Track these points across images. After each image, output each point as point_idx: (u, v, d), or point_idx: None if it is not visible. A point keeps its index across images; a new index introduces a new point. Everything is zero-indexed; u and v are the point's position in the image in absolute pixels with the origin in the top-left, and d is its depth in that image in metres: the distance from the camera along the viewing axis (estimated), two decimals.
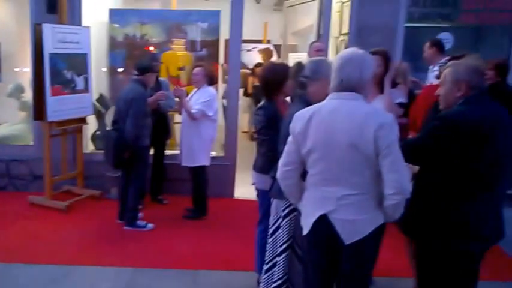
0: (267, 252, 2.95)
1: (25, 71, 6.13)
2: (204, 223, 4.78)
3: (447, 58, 3.09)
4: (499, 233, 2.38)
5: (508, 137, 2.27)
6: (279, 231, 2.83)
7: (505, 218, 2.40)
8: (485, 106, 2.28)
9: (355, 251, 2.21)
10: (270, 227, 2.94)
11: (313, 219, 2.25)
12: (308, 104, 2.48)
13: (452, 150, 2.23)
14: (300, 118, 2.27)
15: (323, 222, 2.21)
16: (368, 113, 2.13)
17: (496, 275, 3.70)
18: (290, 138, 2.33)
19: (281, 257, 2.82)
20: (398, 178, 2.07)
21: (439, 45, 4.84)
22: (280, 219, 2.82)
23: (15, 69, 6.60)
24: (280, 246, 2.82)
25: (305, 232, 2.32)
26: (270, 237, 2.92)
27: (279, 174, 2.39)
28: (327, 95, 2.35)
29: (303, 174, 2.37)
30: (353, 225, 2.17)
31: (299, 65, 2.78)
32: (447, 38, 5.32)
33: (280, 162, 2.37)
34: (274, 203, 2.89)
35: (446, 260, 2.34)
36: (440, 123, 2.28)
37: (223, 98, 6.68)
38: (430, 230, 2.34)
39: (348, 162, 2.13)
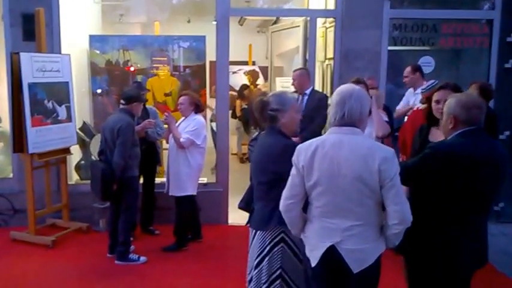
0: (252, 284, 2.86)
1: (0, 98, 5.91)
2: (199, 253, 4.65)
3: (431, 83, 3.24)
4: (481, 260, 2.51)
5: (492, 175, 2.39)
6: (265, 262, 2.76)
7: (494, 233, 2.49)
8: (477, 142, 2.39)
9: (363, 279, 2.27)
10: (254, 259, 2.85)
11: (322, 250, 2.28)
12: (283, 134, 2.72)
13: (437, 178, 2.39)
14: (302, 151, 2.31)
15: (331, 253, 2.26)
16: (370, 147, 2.22)
17: None
18: (293, 171, 2.35)
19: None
20: (401, 209, 2.18)
21: (421, 70, 5.11)
22: (266, 251, 2.76)
23: None
24: (268, 277, 2.75)
25: (313, 264, 2.33)
26: (254, 270, 2.83)
27: (282, 206, 2.40)
28: (297, 124, 2.77)
29: (304, 206, 2.41)
30: (360, 254, 2.24)
31: (263, 102, 2.80)
32: (429, 62, 5.56)
33: (284, 195, 2.39)
34: (257, 235, 2.83)
35: (436, 282, 2.50)
36: (430, 151, 2.43)
37: (212, 121, 6.61)
38: (417, 250, 2.49)
39: (353, 194, 2.20)
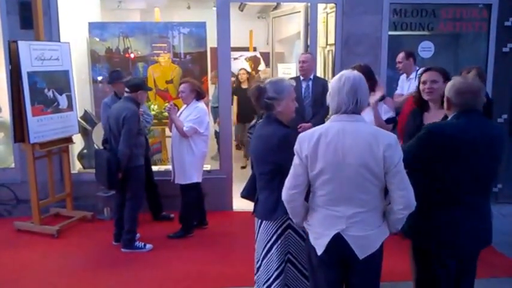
0: (260, 274, 2.90)
1: None
2: (204, 240, 4.68)
3: (423, 69, 3.26)
4: (481, 241, 2.56)
5: (487, 155, 2.44)
6: (274, 250, 2.80)
7: (495, 214, 2.55)
8: (471, 123, 2.44)
9: (368, 265, 2.30)
10: (260, 250, 2.88)
11: (328, 239, 2.29)
12: (280, 122, 2.74)
13: (432, 159, 2.45)
14: (305, 140, 2.28)
15: (337, 241, 2.27)
16: (374, 134, 2.22)
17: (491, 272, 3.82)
18: (296, 161, 2.33)
19: (279, 278, 2.80)
20: (406, 194, 2.20)
21: (413, 56, 5.13)
22: (274, 239, 2.79)
23: None
24: (279, 264, 2.79)
25: (319, 253, 2.34)
26: (262, 260, 2.87)
27: (285, 196, 2.39)
28: (293, 111, 2.79)
29: (306, 195, 2.41)
30: (366, 240, 2.26)
31: (259, 88, 2.79)
32: (429, 47, 5.59)
33: (287, 185, 2.38)
34: (263, 225, 2.85)
35: (440, 263, 2.56)
36: (423, 133, 2.50)
37: (215, 122, 6.57)
38: (421, 231, 2.57)
39: (358, 181, 2.21)
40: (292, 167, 2.35)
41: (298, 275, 2.84)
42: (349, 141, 2.19)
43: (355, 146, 2.18)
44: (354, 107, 2.24)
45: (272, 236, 2.79)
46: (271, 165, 2.71)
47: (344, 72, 2.34)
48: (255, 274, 2.97)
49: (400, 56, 5.07)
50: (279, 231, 2.77)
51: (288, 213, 2.63)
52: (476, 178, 2.47)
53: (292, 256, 2.82)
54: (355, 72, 2.34)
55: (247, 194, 3.11)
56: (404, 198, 2.19)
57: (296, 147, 2.32)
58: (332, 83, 2.34)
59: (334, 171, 2.21)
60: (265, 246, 2.83)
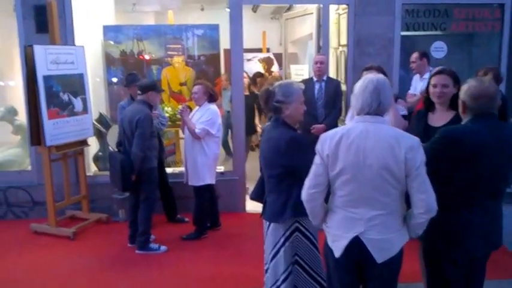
0: (269, 276, 2.90)
1: (14, 90, 5.93)
2: (218, 241, 4.69)
3: (435, 71, 3.23)
4: (492, 244, 2.54)
5: (502, 159, 2.42)
6: (281, 253, 2.80)
7: (505, 214, 2.61)
8: (487, 127, 2.40)
9: (386, 269, 2.27)
10: (269, 252, 2.88)
11: (346, 241, 2.27)
12: (287, 125, 2.75)
13: (446, 162, 2.42)
14: (327, 140, 2.29)
15: (355, 244, 2.25)
16: (396, 136, 2.21)
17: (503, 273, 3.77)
18: (317, 160, 2.33)
19: (287, 280, 2.81)
20: (427, 198, 2.17)
21: (427, 56, 5.09)
22: (281, 242, 2.80)
23: (0, 83, 6.39)
24: (286, 267, 2.80)
25: (337, 255, 2.32)
26: (270, 262, 2.88)
27: (304, 196, 2.38)
28: (301, 114, 2.78)
29: (326, 197, 2.40)
30: (384, 243, 2.24)
31: (268, 92, 2.80)
32: (441, 47, 5.55)
33: (307, 184, 2.37)
34: (271, 227, 2.85)
35: (450, 265, 2.54)
36: (438, 136, 2.47)
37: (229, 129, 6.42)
38: (434, 235, 2.50)
39: (378, 183, 2.19)
40: (312, 166, 2.35)
41: (306, 277, 2.85)
42: (370, 143, 2.18)
43: (377, 148, 2.17)
44: (376, 108, 2.25)
45: (280, 239, 2.80)
46: (279, 168, 2.72)
47: (369, 75, 2.37)
48: (264, 276, 2.99)
49: (414, 56, 5.04)
50: (286, 234, 2.78)
51: (296, 216, 2.63)
52: (490, 181, 2.44)
53: (300, 258, 2.82)
54: (380, 75, 2.36)
55: (256, 196, 3.13)
56: (424, 202, 2.17)
57: (318, 146, 2.32)
58: (356, 85, 2.35)
59: (355, 172, 2.20)
60: (273, 248, 2.84)
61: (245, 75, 6.18)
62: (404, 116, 3.96)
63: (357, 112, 2.31)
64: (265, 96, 2.81)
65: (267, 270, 2.93)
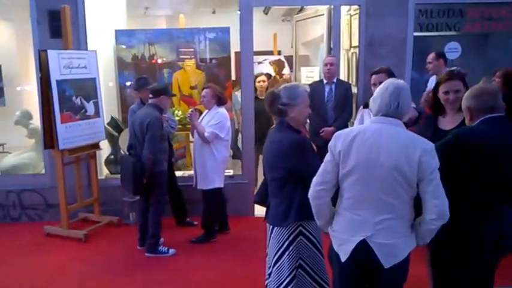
0: (272, 280, 2.87)
1: (30, 94, 6.03)
2: (226, 245, 4.68)
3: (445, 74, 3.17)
4: (502, 249, 2.48)
5: (508, 162, 2.37)
6: (285, 257, 2.77)
7: None
8: (499, 128, 2.38)
9: (393, 275, 2.24)
10: (272, 256, 2.85)
11: (352, 245, 2.25)
12: (292, 128, 2.72)
13: (457, 164, 2.37)
14: (341, 137, 2.29)
15: (362, 248, 2.22)
16: (410, 138, 2.20)
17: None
18: (328, 157, 2.32)
19: (291, 285, 2.77)
20: (441, 204, 2.14)
21: (444, 57, 5.02)
22: (285, 246, 2.77)
23: (17, 88, 6.49)
24: (290, 271, 2.76)
25: (343, 259, 2.30)
26: (273, 267, 2.84)
27: (311, 193, 2.37)
28: (306, 117, 2.78)
29: (333, 199, 2.38)
30: (392, 248, 2.21)
31: (273, 94, 2.79)
32: (455, 48, 5.49)
33: (314, 181, 2.36)
34: (275, 231, 2.82)
35: (458, 269, 2.48)
36: (451, 138, 2.44)
37: (238, 134, 6.35)
38: (443, 238, 2.40)
39: (388, 183, 2.17)
40: (322, 164, 2.35)
41: (310, 282, 2.82)
42: (385, 142, 2.18)
43: (391, 147, 2.16)
44: (395, 110, 2.24)
45: (284, 243, 2.77)
46: (282, 171, 2.70)
47: (390, 79, 2.38)
48: (266, 280, 2.96)
49: (431, 56, 4.97)
50: (290, 238, 2.76)
51: (299, 220, 2.61)
52: (503, 185, 2.40)
53: (304, 262, 2.79)
54: (401, 80, 2.36)
55: (259, 199, 3.13)
56: (438, 208, 2.13)
57: (331, 143, 2.32)
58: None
59: (365, 171, 2.19)
60: (277, 252, 2.81)
61: (264, 78, 6.11)
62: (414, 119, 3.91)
63: (374, 113, 2.31)
64: (271, 99, 2.80)
65: (269, 274, 2.90)
